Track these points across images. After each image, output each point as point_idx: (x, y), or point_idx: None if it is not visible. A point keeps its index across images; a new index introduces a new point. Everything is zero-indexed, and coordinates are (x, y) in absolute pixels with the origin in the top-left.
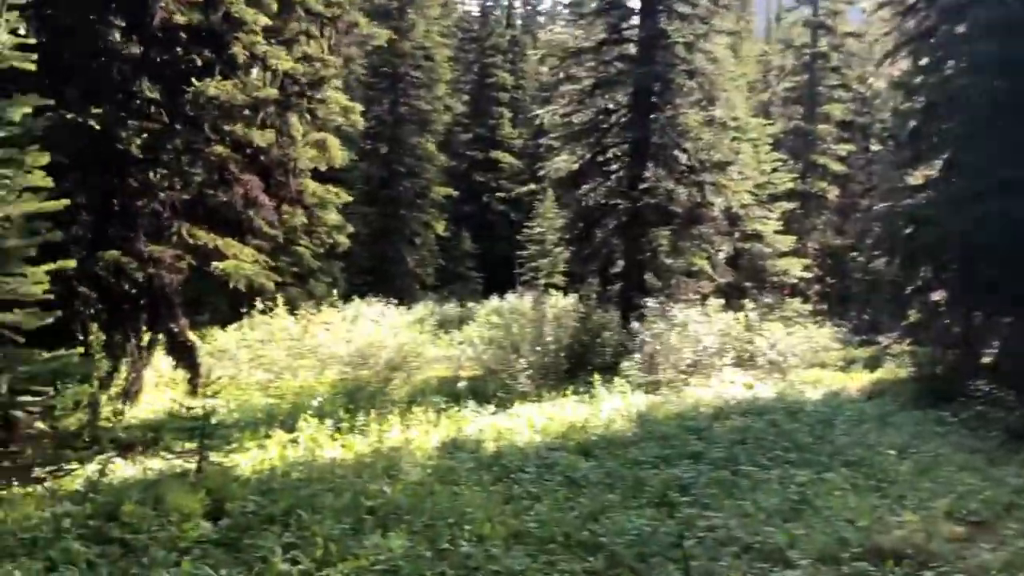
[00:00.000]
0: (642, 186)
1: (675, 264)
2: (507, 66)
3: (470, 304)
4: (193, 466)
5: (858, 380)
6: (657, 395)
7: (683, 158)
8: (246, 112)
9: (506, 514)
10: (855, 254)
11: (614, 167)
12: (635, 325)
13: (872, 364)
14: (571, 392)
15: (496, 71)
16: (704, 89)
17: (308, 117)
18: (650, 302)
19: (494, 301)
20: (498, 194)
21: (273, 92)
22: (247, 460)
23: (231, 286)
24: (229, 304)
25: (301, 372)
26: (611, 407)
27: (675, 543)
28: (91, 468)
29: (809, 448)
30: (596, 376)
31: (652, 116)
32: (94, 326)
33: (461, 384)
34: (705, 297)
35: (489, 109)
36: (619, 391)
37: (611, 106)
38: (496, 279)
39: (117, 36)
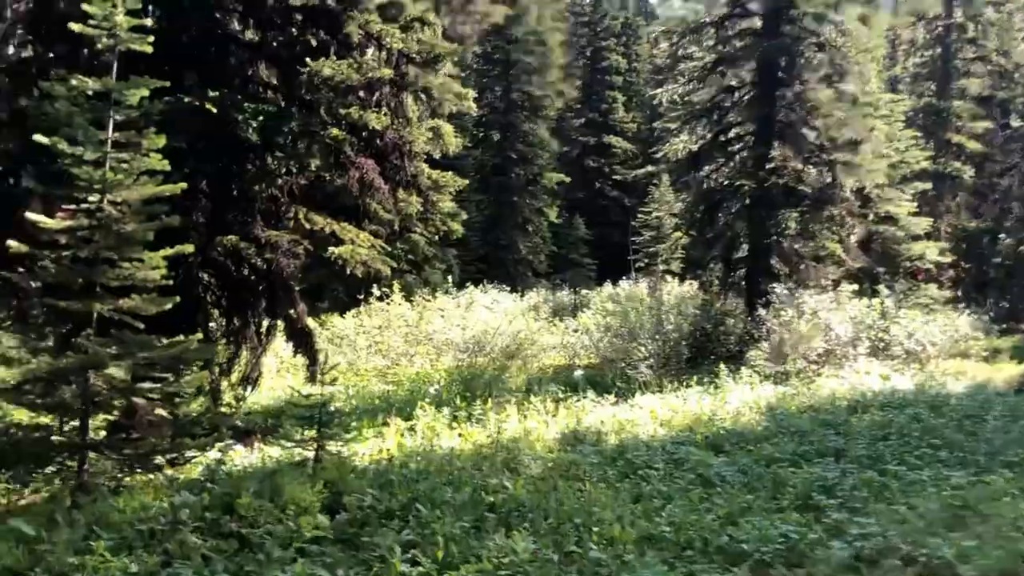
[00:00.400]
0: (768, 166)
1: (804, 248)
2: (620, 49)
3: (583, 291)
4: (311, 454)
5: (1005, 371)
6: (787, 386)
7: (812, 136)
8: (361, 93)
9: (636, 515)
10: (1000, 236)
11: (737, 147)
12: (761, 312)
13: (1020, 354)
14: (695, 383)
15: (609, 55)
16: (834, 63)
17: (424, 97)
18: (777, 288)
19: (608, 288)
20: (615, 178)
21: (388, 72)
22: (365, 449)
23: (348, 272)
24: (347, 291)
25: (417, 359)
26: (738, 399)
27: (850, 566)
28: (211, 455)
29: (961, 446)
30: (721, 366)
31: (778, 92)
32: (214, 312)
33: (578, 373)
34: (836, 283)
35: (602, 93)
36: (746, 382)
37: (734, 83)
38: (609, 266)
39: (235, 20)
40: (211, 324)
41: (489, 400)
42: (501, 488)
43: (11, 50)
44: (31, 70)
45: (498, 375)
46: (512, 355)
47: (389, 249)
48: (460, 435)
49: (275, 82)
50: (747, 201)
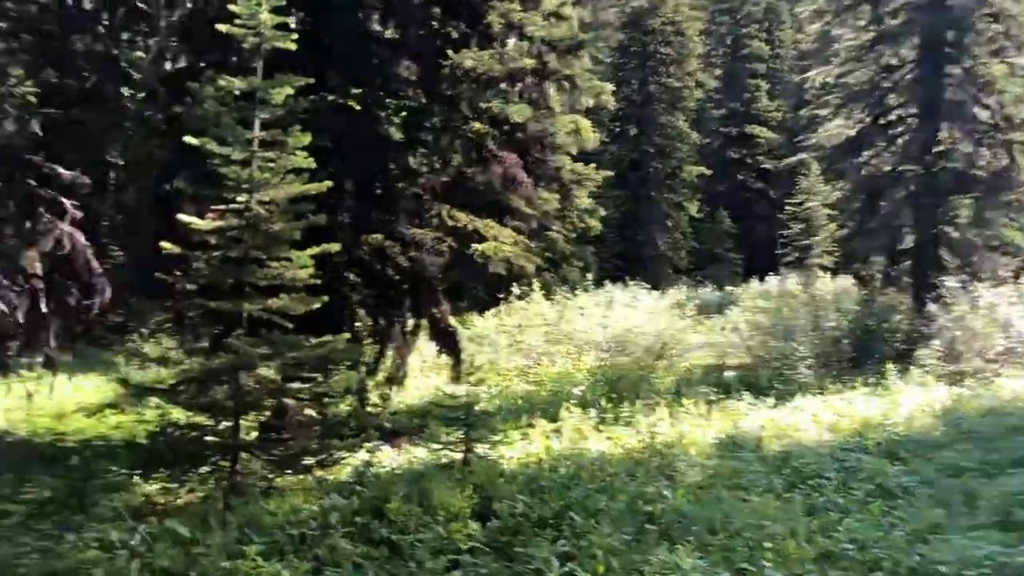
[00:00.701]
0: (935, 149)
1: (977, 237)
2: (762, 35)
3: (728, 288)
4: (458, 456)
5: None
6: (963, 388)
7: (985, 115)
8: (503, 85)
9: (812, 529)
10: None
11: (899, 130)
12: (931, 308)
13: None
14: (860, 384)
15: (751, 41)
16: (1009, 34)
17: (566, 85)
18: (948, 281)
19: (754, 284)
20: (759, 169)
21: (530, 61)
22: (512, 451)
23: (489, 270)
24: (486, 290)
25: (558, 358)
26: (910, 401)
27: None
28: (359, 457)
29: None
30: (888, 366)
31: (945, 69)
32: (360, 312)
33: (729, 374)
34: (1016, 274)
35: (743, 82)
36: (917, 383)
37: (894, 62)
38: (754, 261)
39: (375, 19)
40: (356, 324)
41: (636, 401)
42: (659, 497)
43: (168, 65)
44: (184, 78)
45: (644, 375)
46: (658, 355)
47: (532, 245)
48: (609, 438)
49: (415, 78)
50: (912, 188)
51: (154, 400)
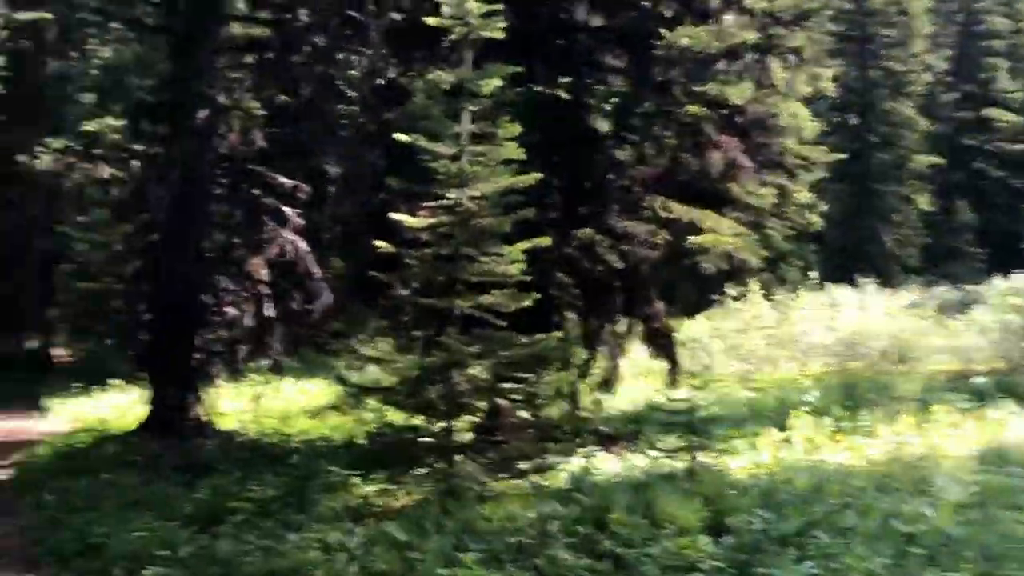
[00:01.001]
0: None
1: None
2: (1000, 9)
3: (969, 286)
4: (681, 465)
5: None
6: None
7: None
8: (720, 64)
9: None
10: None
11: None
12: None
13: None
14: None
15: (986, 17)
16: None
17: (792, 60)
18: None
19: (998, 281)
20: (1006, 152)
21: (751, 35)
22: (738, 461)
23: (707, 266)
24: (699, 291)
25: (780, 363)
26: None
27: None
28: (574, 462)
29: None
30: None
31: None
32: (569, 315)
33: (979, 379)
34: None
35: (979, 61)
36: None
37: None
38: (996, 256)
39: (581, 9)
40: (567, 324)
41: (875, 409)
42: (919, 516)
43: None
44: (395, 85)
45: (883, 381)
46: (898, 359)
47: (754, 236)
48: (848, 449)
49: (623, 65)
50: None
51: (373, 403)
